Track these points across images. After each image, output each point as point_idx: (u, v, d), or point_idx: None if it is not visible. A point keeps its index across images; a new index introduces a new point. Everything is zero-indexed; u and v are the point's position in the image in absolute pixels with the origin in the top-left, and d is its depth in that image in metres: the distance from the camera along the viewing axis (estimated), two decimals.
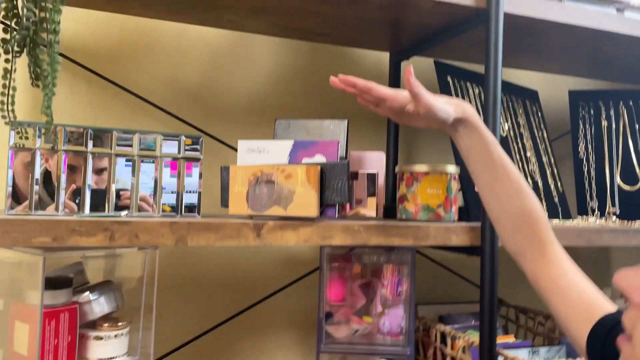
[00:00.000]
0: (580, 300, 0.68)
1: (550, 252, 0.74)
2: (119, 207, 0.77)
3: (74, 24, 1.07)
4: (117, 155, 0.77)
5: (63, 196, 0.74)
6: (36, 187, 0.73)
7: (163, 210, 0.79)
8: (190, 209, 0.82)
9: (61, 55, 1.05)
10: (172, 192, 0.80)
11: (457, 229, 0.89)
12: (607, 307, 0.66)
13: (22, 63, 0.73)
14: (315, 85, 1.26)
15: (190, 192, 0.82)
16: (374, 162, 0.99)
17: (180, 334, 1.12)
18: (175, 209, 0.80)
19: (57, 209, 0.74)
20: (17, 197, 0.73)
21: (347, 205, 0.95)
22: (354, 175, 0.95)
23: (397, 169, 0.96)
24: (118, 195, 0.77)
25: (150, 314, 0.85)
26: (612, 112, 1.32)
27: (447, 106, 0.74)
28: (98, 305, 0.79)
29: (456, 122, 0.76)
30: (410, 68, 0.70)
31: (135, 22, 1.11)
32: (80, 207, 0.75)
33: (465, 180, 1.03)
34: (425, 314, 1.26)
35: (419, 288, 1.30)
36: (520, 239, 0.76)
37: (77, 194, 0.75)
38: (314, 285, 1.20)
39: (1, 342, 0.78)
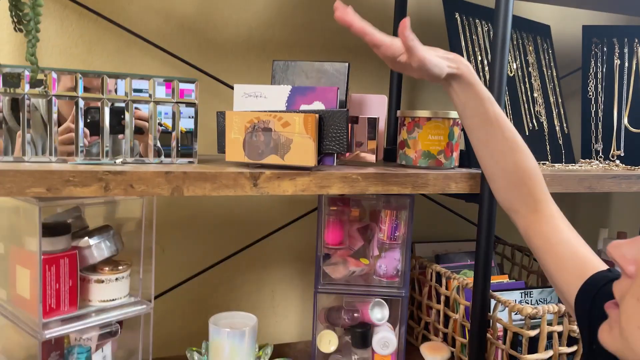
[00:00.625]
0: (571, 258, 0.68)
1: (544, 209, 0.74)
2: (117, 127, 0.76)
3: None
4: (109, 99, 0.75)
5: (55, 143, 0.73)
6: (28, 135, 0.71)
7: (163, 126, 0.78)
8: (187, 154, 0.81)
9: None
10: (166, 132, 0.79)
11: (456, 176, 0.88)
12: (598, 265, 0.66)
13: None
14: (316, 18, 1.20)
15: (186, 136, 0.80)
16: (376, 105, 0.96)
17: (183, 270, 1.15)
18: (170, 154, 0.79)
19: (50, 154, 0.73)
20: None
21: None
22: (355, 120, 0.93)
23: (398, 113, 0.93)
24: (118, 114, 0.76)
25: (150, 257, 0.86)
26: (626, 50, 1.26)
27: (441, 61, 0.71)
28: (97, 249, 0.80)
29: (450, 78, 0.73)
30: (406, 20, 0.66)
31: None
32: (75, 152, 0.74)
33: None
34: (423, 253, 1.28)
35: (416, 226, 1.32)
36: (514, 196, 0.75)
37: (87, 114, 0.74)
38: (313, 223, 1.21)
39: (3, 284, 0.80)
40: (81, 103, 0.73)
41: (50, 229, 0.75)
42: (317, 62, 0.87)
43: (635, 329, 0.45)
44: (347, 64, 0.86)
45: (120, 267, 0.82)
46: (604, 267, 0.66)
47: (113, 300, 0.81)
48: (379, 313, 1.01)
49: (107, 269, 0.81)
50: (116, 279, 0.81)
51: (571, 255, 0.69)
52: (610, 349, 0.49)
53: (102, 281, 0.80)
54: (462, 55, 1.02)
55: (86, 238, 0.79)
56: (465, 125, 0.78)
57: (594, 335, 0.60)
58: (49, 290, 0.74)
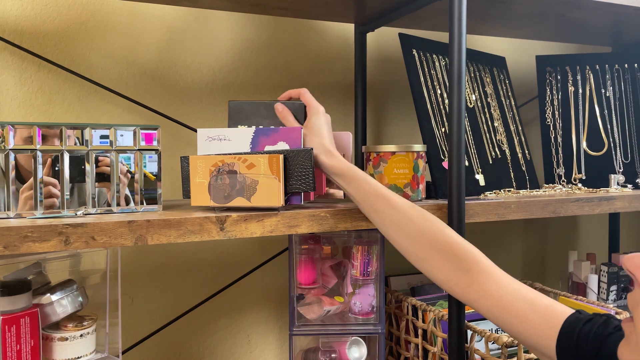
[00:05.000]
0: (532, 311, 0.65)
1: (474, 266, 0.69)
2: (98, 175, 0.75)
3: (18, 4, 1.00)
4: (69, 151, 0.74)
5: (12, 198, 0.71)
6: None
7: (145, 176, 0.79)
8: (152, 201, 0.80)
9: (4, 40, 0.99)
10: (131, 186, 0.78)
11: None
12: (561, 309, 0.64)
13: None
14: (279, 59, 1.22)
15: (150, 182, 0.79)
16: (342, 142, 0.97)
17: (153, 320, 1.11)
18: (135, 200, 0.78)
19: (8, 210, 0.71)
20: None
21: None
22: None
23: (363, 149, 0.94)
24: (96, 161, 0.75)
25: (116, 309, 0.83)
26: (578, 77, 1.31)
27: None
28: (60, 306, 0.77)
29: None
30: None
31: (85, 0, 1.05)
32: (35, 206, 0.72)
33: (433, 157, 1.02)
34: (398, 286, 1.27)
35: (390, 259, 1.31)
36: (441, 264, 0.72)
37: (55, 162, 0.73)
38: (286, 262, 1.20)
39: None
40: (40, 155, 0.72)
41: (9, 288, 0.72)
42: (275, 101, 0.87)
43: None
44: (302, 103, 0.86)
45: (85, 323, 0.78)
46: (566, 309, 0.64)
47: (78, 358, 0.78)
48: (356, 352, 0.99)
49: (71, 325, 0.77)
50: (81, 335, 0.77)
51: (528, 306, 0.65)
52: None
53: (66, 339, 0.76)
54: (422, 90, 1.05)
55: (48, 294, 0.76)
56: (366, 216, 0.81)
57: None
58: (9, 352, 0.71)
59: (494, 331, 0.99)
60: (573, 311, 0.64)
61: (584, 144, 1.28)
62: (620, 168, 1.25)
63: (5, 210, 0.70)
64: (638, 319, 0.48)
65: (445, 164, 1.03)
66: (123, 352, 0.87)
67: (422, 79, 1.06)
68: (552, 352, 0.63)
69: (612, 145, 1.27)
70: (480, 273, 0.68)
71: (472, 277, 0.69)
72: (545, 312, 0.64)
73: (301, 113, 0.86)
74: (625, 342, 0.51)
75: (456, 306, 0.89)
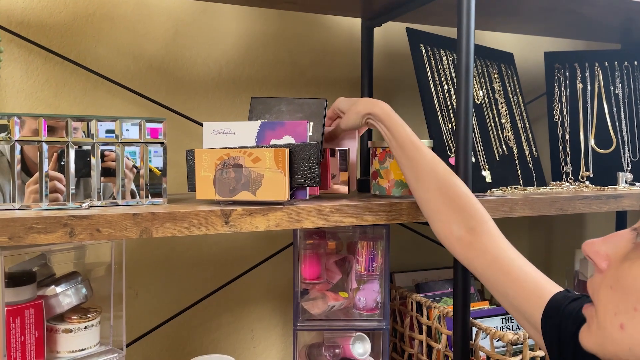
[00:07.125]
0: (526, 278, 0.67)
1: (481, 226, 0.72)
2: (103, 170, 0.75)
3: None
4: (74, 143, 0.73)
5: (18, 190, 0.70)
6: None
7: (151, 171, 0.79)
8: (157, 194, 0.79)
9: (11, 32, 0.98)
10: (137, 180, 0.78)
11: None
12: (551, 286, 0.66)
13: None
14: (285, 53, 1.21)
15: (154, 183, 0.79)
16: (347, 137, 0.96)
17: (157, 313, 1.11)
18: (140, 195, 0.78)
19: (13, 201, 0.71)
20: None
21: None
22: (332, 152, 0.93)
23: (369, 144, 0.94)
24: (102, 156, 0.75)
25: (120, 302, 0.83)
26: (587, 74, 1.30)
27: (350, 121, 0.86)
28: (65, 298, 0.77)
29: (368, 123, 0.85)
30: None
31: None
32: (40, 198, 0.72)
33: (439, 153, 1.01)
34: (403, 283, 1.27)
35: (395, 255, 1.31)
36: (447, 216, 0.75)
37: (61, 156, 0.73)
38: (290, 257, 1.19)
39: None
40: (45, 147, 0.72)
41: (13, 279, 0.72)
42: (297, 98, 0.88)
43: (612, 316, 0.46)
44: (325, 100, 0.87)
45: (89, 315, 0.78)
46: (555, 287, 0.66)
47: (82, 350, 0.78)
48: (360, 347, 0.99)
49: (75, 317, 0.77)
50: (85, 327, 0.77)
51: (523, 273, 0.67)
52: (590, 348, 0.49)
53: (71, 331, 0.76)
54: (429, 85, 1.04)
55: (52, 286, 0.76)
56: (397, 159, 0.83)
57: (564, 352, 0.60)
58: (13, 343, 0.71)
59: (499, 328, 0.99)
60: (562, 289, 0.66)
61: (592, 142, 1.27)
62: (628, 166, 1.24)
63: (10, 202, 0.70)
64: (599, 305, 0.48)
65: (452, 160, 1.02)
66: (127, 345, 0.87)
67: (429, 74, 1.05)
68: (537, 321, 0.64)
69: (620, 142, 1.26)
70: (484, 234, 0.72)
71: (475, 236, 0.72)
72: (538, 282, 0.66)
73: (322, 108, 0.86)
74: (586, 327, 0.51)
75: (462, 303, 0.89)
